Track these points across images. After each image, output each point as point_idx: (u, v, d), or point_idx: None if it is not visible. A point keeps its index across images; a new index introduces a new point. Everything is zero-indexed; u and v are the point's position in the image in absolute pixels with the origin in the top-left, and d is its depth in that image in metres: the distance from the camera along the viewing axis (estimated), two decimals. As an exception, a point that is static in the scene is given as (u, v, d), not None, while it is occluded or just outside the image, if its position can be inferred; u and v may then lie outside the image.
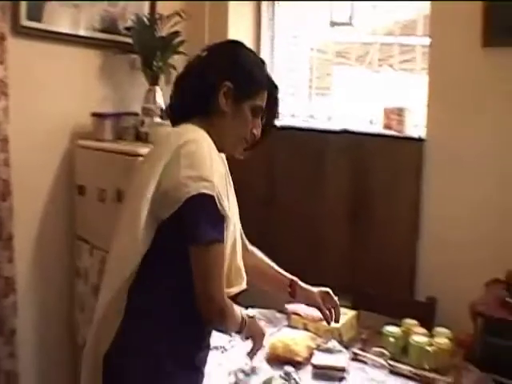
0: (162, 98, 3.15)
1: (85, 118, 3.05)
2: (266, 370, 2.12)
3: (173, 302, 1.74)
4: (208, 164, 1.67)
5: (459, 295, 2.56)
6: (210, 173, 1.65)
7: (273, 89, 1.89)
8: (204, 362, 1.86)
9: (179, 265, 1.70)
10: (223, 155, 1.90)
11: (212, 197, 1.64)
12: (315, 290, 2.07)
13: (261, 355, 2.25)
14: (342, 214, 3.10)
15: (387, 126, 3.00)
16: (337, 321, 2.06)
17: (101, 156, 2.92)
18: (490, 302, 2.43)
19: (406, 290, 2.87)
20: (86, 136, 3.07)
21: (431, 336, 2.31)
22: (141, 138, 3.03)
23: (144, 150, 2.75)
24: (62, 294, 3.15)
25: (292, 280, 2.05)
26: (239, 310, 1.78)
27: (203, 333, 1.85)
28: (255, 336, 1.87)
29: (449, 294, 2.70)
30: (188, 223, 1.65)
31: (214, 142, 1.75)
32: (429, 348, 2.22)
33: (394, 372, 2.18)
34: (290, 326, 2.49)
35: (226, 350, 2.31)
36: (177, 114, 1.87)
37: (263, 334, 1.89)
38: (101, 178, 2.91)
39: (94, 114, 3.04)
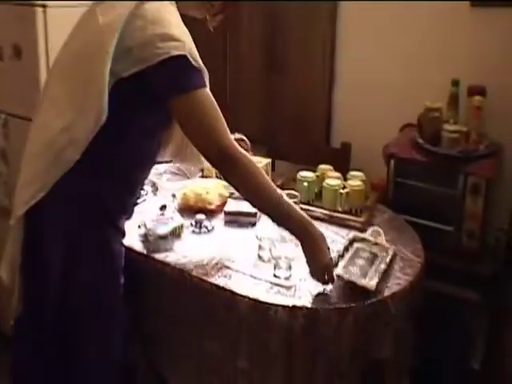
0: None
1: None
2: (177, 221, 1.97)
3: (109, 167, 1.64)
4: (176, 22, 1.52)
5: (374, 141, 2.44)
6: (179, 31, 1.50)
7: None
8: (123, 226, 1.79)
9: (133, 126, 1.61)
10: None
11: (184, 56, 1.48)
12: None
13: (173, 206, 2.11)
14: (258, 62, 2.90)
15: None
16: None
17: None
18: (402, 144, 2.33)
19: (322, 137, 2.74)
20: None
21: (345, 180, 2.19)
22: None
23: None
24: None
25: None
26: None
27: (133, 199, 1.80)
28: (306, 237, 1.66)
29: (363, 140, 2.59)
30: (163, 81, 1.52)
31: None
32: (342, 190, 2.10)
33: (308, 215, 2.07)
34: (203, 176, 2.32)
35: (137, 203, 2.14)
36: None
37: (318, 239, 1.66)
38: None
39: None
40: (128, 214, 1.80)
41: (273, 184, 1.64)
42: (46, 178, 1.60)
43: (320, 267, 1.64)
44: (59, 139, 1.58)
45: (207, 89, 1.57)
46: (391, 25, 2.54)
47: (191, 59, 1.52)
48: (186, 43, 1.52)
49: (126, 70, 1.52)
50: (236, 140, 1.84)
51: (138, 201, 2.14)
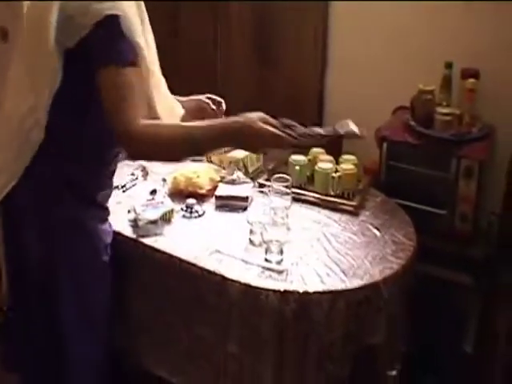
0: None
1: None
2: (167, 205, 1.93)
3: (77, 136, 1.59)
4: None
5: (366, 124, 2.39)
6: None
7: None
8: (107, 200, 1.75)
9: (88, 100, 1.53)
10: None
11: (118, 17, 1.43)
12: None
13: (163, 191, 2.07)
14: (249, 48, 2.83)
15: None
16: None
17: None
18: (394, 126, 2.29)
19: (314, 121, 2.69)
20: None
21: (338, 163, 2.15)
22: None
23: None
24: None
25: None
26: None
27: (108, 172, 1.73)
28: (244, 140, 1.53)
29: (356, 123, 2.54)
30: (97, 47, 1.45)
31: None
32: (334, 174, 2.06)
33: (299, 199, 2.04)
34: (194, 160, 2.27)
35: (127, 188, 2.10)
36: None
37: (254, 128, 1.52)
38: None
39: None
40: (106, 188, 1.75)
41: (183, 127, 1.55)
42: (16, 164, 1.57)
43: (271, 145, 1.58)
44: (27, 121, 1.55)
45: (135, 66, 1.50)
46: (383, 7, 2.48)
47: (124, 25, 1.46)
48: (121, 4, 1.46)
49: (71, 40, 1.47)
50: (211, 99, 1.84)
51: (128, 185, 2.11)
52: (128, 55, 1.48)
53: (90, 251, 1.68)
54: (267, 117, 1.56)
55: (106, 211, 1.76)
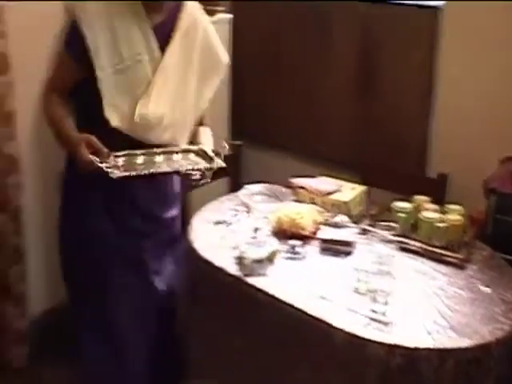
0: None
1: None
2: (271, 244, 1.94)
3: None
4: None
5: (472, 172, 2.36)
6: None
7: None
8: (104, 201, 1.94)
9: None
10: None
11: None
12: None
13: (266, 229, 2.08)
14: (350, 87, 2.85)
15: (402, -4, 2.68)
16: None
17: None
18: (503, 178, 2.23)
19: (417, 166, 2.66)
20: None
21: (442, 212, 2.10)
22: None
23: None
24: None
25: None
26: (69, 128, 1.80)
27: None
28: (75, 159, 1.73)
29: (461, 171, 2.49)
30: None
31: None
32: (440, 224, 2.02)
33: (403, 248, 2.01)
34: (296, 200, 2.28)
35: (230, 224, 2.13)
36: None
37: (84, 162, 1.70)
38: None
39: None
40: (99, 188, 1.89)
41: (59, 117, 1.83)
42: None
43: (80, 167, 1.72)
44: None
45: (70, 59, 1.81)
46: (496, 50, 2.43)
47: (82, 22, 1.73)
48: (83, 5, 1.75)
49: None
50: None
51: (230, 220, 2.14)
52: (69, 46, 1.80)
53: (86, 244, 2.00)
54: (93, 142, 1.72)
55: (106, 210, 1.94)
